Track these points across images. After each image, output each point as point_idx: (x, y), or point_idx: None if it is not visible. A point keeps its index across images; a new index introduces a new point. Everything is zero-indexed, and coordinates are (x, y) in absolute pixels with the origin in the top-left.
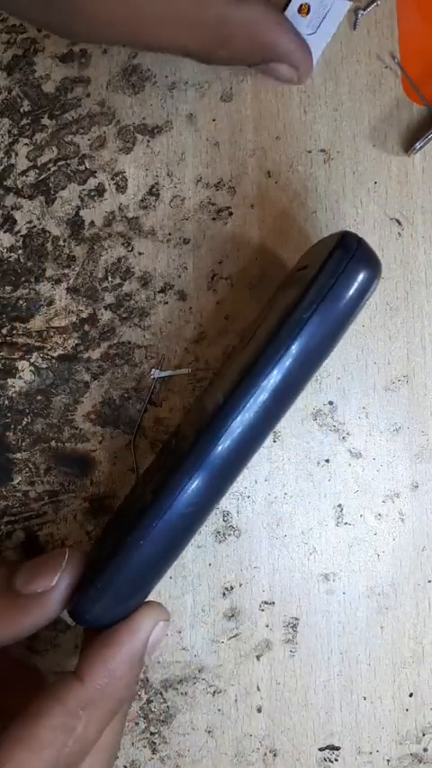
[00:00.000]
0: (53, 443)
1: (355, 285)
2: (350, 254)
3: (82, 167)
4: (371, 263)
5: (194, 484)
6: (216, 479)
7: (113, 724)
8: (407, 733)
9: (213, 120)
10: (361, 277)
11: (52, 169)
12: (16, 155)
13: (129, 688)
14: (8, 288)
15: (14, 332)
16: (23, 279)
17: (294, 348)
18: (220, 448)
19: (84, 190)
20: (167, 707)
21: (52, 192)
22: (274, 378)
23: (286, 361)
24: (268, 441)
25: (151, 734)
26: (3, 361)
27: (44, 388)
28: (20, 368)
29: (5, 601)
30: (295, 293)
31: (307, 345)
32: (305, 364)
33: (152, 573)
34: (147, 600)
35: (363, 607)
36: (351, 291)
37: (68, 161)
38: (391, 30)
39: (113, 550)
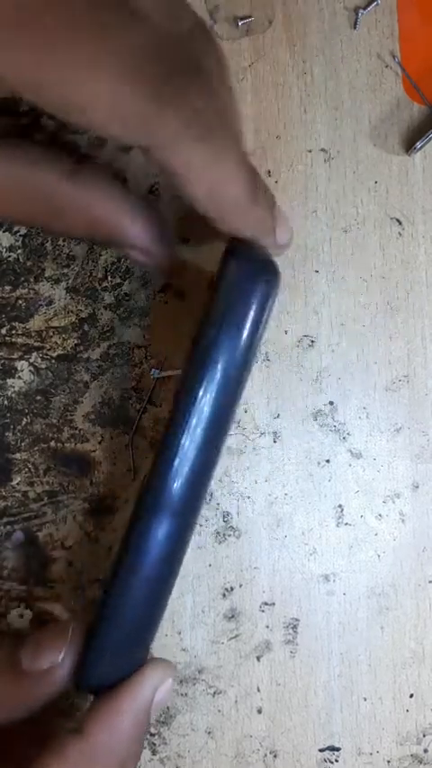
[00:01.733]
0: (52, 444)
1: (252, 297)
2: (240, 267)
3: None
4: (260, 269)
5: (159, 531)
6: (180, 517)
7: None
8: (407, 734)
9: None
10: (256, 288)
11: None
12: None
13: (133, 745)
14: (7, 287)
15: (14, 332)
16: (23, 278)
17: (210, 375)
18: (174, 486)
19: None
20: (167, 708)
21: None
22: (201, 409)
23: (208, 391)
24: (268, 441)
25: (151, 735)
26: (2, 361)
27: (43, 389)
28: (19, 368)
29: (12, 678)
30: (201, 315)
31: (223, 367)
32: (227, 385)
33: (143, 625)
34: (155, 658)
35: (363, 608)
36: (249, 306)
37: None
38: (391, 29)
39: (100, 611)
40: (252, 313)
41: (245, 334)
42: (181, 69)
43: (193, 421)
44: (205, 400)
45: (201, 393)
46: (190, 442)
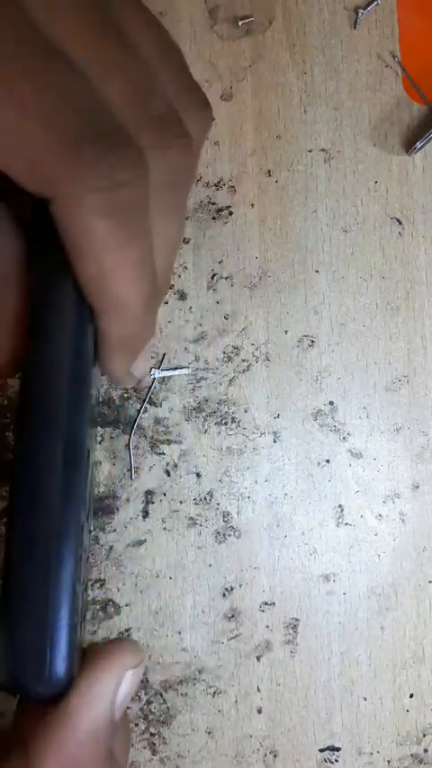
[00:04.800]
0: None
1: None
2: None
3: None
4: None
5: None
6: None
7: None
8: (407, 734)
9: (213, 120)
10: None
11: None
12: None
13: (104, 760)
14: None
15: None
16: None
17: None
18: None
19: None
20: (167, 708)
21: None
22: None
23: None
24: (268, 441)
25: (151, 735)
26: None
27: None
28: None
29: None
30: None
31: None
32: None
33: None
34: (111, 642)
35: (363, 608)
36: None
37: None
38: (391, 29)
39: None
40: None
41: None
42: (116, 139)
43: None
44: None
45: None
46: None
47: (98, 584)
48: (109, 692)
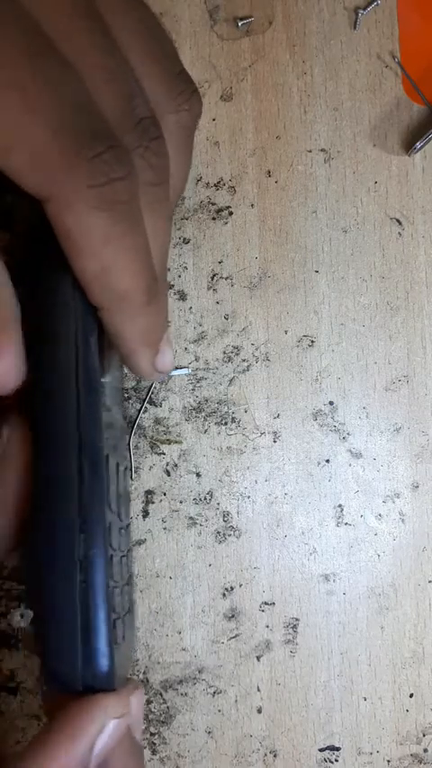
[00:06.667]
0: None
1: None
2: None
3: None
4: None
5: None
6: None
7: None
8: (407, 733)
9: (213, 120)
10: None
11: None
12: None
13: None
14: None
15: None
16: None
17: None
18: None
19: None
20: (167, 707)
21: None
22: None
23: None
24: (268, 441)
25: (151, 734)
26: None
27: None
28: None
29: None
30: None
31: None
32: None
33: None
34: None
35: (363, 607)
36: None
37: None
38: (391, 29)
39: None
40: None
41: None
42: (109, 138)
43: None
44: None
45: None
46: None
47: None
48: (87, 735)
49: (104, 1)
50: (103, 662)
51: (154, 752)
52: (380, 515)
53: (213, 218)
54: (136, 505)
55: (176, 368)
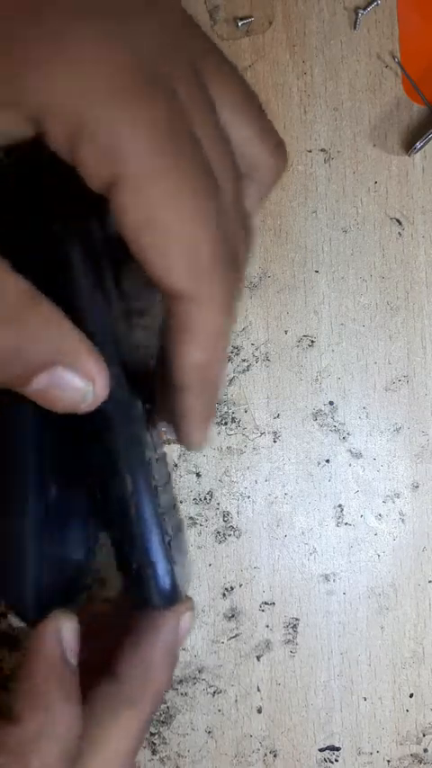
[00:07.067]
0: None
1: None
2: None
3: None
4: None
5: None
6: None
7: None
8: (407, 733)
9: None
10: None
11: None
12: None
13: (168, 678)
14: None
15: None
16: None
17: None
18: None
19: None
20: (167, 707)
21: None
22: None
23: None
24: (268, 441)
25: (151, 734)
26: None
27: None
28: None
29: None
30: None
31: None
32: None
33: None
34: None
35: (363, 607)
36: None
37: None
38: (391, 29)
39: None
40: None
41: None
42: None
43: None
44: None
45: None
46: None
47: (99, 584)
48: (174, 623)
49: (209, 73)
50: (165, 581)
51: (154, 752)
52: (380, 515)
53: None
54: None
55: None
